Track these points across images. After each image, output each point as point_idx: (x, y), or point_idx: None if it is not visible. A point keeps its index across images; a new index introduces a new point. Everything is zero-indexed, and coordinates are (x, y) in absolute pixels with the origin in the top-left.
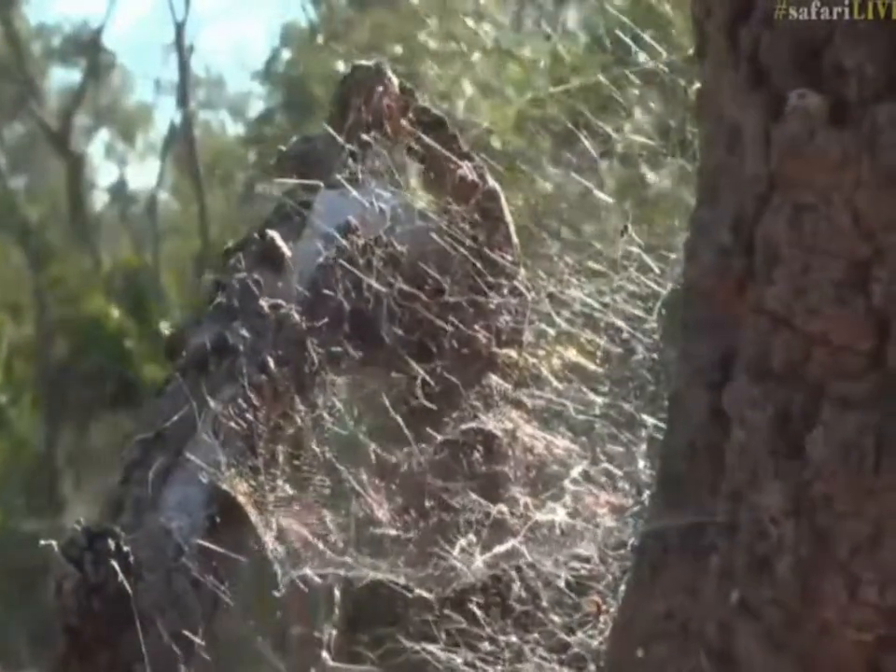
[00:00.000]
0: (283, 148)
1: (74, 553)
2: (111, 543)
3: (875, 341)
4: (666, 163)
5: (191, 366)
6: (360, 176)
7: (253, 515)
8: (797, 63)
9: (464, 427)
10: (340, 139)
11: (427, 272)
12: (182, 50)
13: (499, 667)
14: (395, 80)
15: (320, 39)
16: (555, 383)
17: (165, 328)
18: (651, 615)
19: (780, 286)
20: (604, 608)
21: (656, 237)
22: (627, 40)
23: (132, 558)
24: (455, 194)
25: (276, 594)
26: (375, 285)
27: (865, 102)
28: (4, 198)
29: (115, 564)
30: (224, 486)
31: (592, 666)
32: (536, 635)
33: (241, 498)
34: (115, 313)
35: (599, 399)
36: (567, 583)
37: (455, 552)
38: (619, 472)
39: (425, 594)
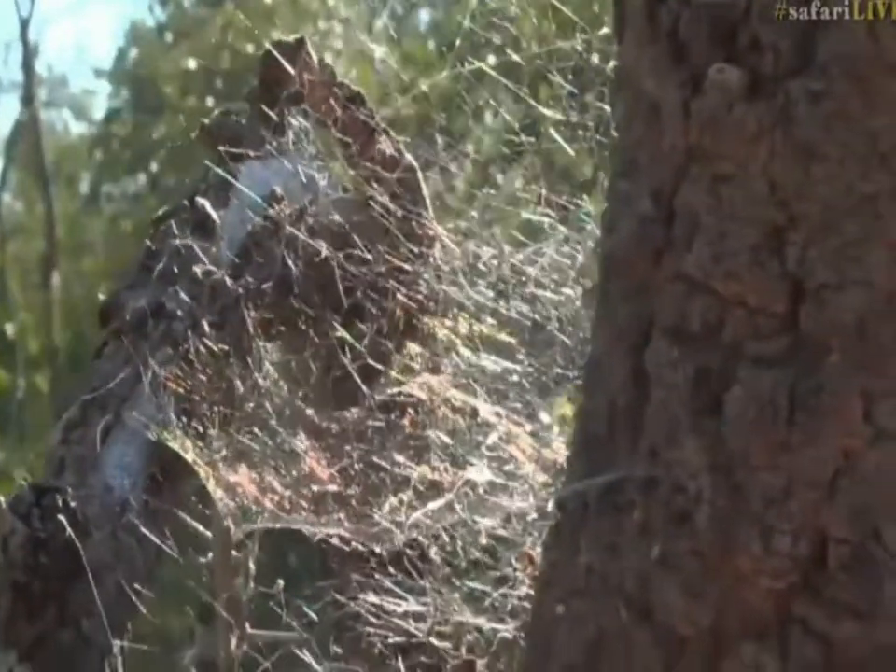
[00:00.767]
0: (205, 121)
1: (21, 509)
2: (58, 499)
3: (788, 303)
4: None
5: (128, 329)
6: (283, 149)
7: (201, 471)
8: (715, 39)
9: (390, 391)
10: (262, 112)
11: (351, 241)
12: (28, 48)
13: (431, 621)
14: (314, 56)
15: (169, 38)
16: (470, 353)
17: (10, 329)
18: (571, 572)
19: (699, 252)
20: (536, 560)
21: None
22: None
23: (79, 514)
24: (376, 168)
25: (203, 559)
26: (301, 253)
27: (780, 76)
28: None
29: (63, 519)
30: (170, 444)
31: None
32: (465, 590)
33: (188, 456)
34: None
35: (518, 367)
36: (498, 539)
37: (385, 510)
38: (544, 432)
39: (360, 548)
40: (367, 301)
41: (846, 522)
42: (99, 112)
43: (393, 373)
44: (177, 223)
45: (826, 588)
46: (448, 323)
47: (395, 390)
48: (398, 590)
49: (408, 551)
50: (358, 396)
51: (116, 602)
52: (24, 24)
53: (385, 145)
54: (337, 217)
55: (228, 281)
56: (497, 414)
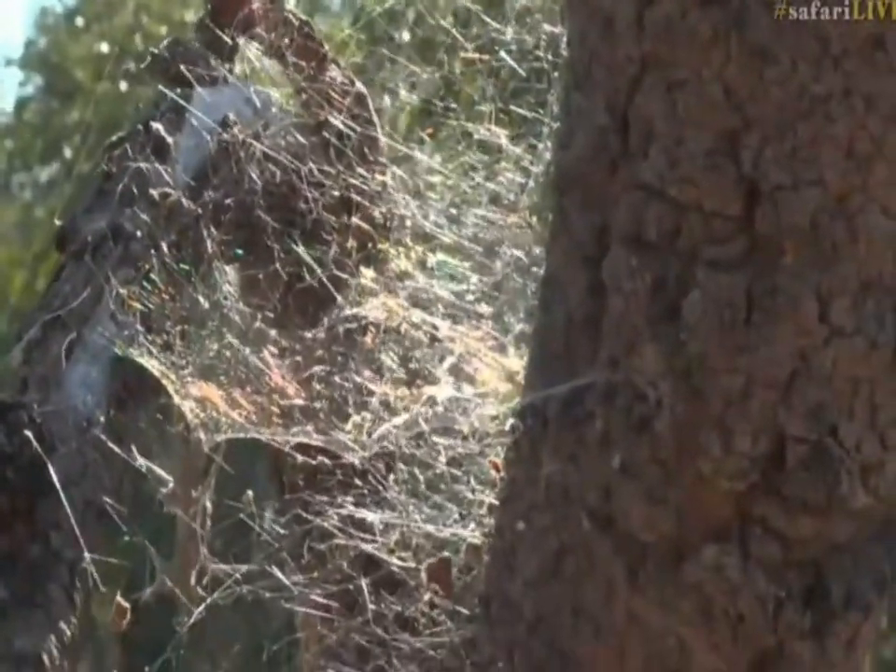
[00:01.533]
0: (155, 51)
1: None
2: (24, 415)
3: (744, 206)
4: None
5: (87, 251)
6: (233, 76)
7: (168, 385)
8: None
9: (347, 312)
10: (212, 41)
11: (306, 164)
12: None
13: (402, 530)
14: None
15: (80, 22)
16: (423, 278)
17: None
18: (532, 487)
19: (655, 159)
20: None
21: None
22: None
23: (45, 430)
24: (327, 96)
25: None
26: (256, 176)
27: None
28: None
29: (29, 434)
30: (136, 360)
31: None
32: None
33: (154, 370)
34: None
35: (470, 287)
36: (461, 455)
37: (348, 427)
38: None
39: (327, 461)
40: (323, 224)
41: (803, 420)
42: (9, 101)
43: (350, 297)
44: (132, 148)
45: (784, 486)
46: (402, 249)
47: (354, 311)
48: (362, 504)
49: (374, 465)
50: (318, 317)
51: (83, 517)
52: None
53: (335, 72)
54: (291, 139)
55: (185, 202)
56: (454, 330)
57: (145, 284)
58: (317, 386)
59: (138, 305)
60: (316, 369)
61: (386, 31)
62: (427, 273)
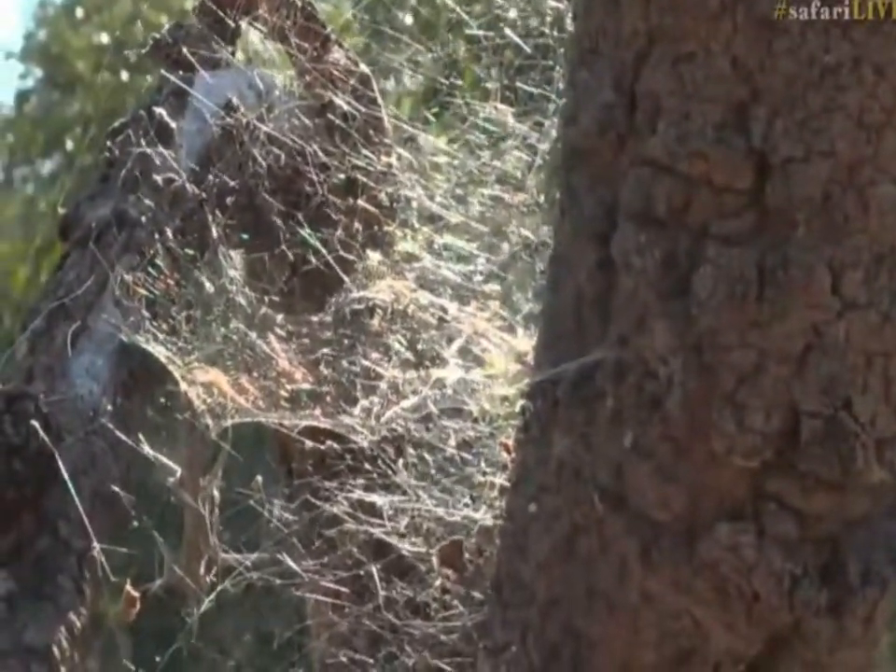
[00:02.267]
0: (157, 35)
1: None
2: (30, 405)
3: (754, 179)
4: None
5: (90, 238)
6: (236, 60)
7: (175, 371)
8: None
9: (354, 295)
10: (213, 24)
11: (309, 149)
12: None
13: (412, 514)
14: None
15: (79, 13)
16: (430, 259)
17: None
18: (543, 468)
19: (663, 134)
20: (512, 451)
21: None
22: None
23: (51, 420)
24: (331, 77)
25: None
26: (262, 160)
27: None
28: None
29: (36, 424)
30: (143, 346)
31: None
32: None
33: (161, 357)
34: None
35: (478, 267)
36: (471, 437)
37: (357, 411)
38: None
39: (335, 446)
40: (329, 207)
41: (817, 395)
42: (9, 94)
43: (357, 279)
44: (135, 133)
45: (799, 462)
46: (408, 231)
47: (360, 294)
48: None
49: (383, 449)
50: (325, 300)
51: (91, 507)
52: None
53: (339, 54)
54: (295, 121)
55: (189, 187)
56: (462, 311)
57: (149, 270)
58: (325, 370)
59: (143, 292)
60: (324, 352)
61: (391, 10)
62: (434, 254)
